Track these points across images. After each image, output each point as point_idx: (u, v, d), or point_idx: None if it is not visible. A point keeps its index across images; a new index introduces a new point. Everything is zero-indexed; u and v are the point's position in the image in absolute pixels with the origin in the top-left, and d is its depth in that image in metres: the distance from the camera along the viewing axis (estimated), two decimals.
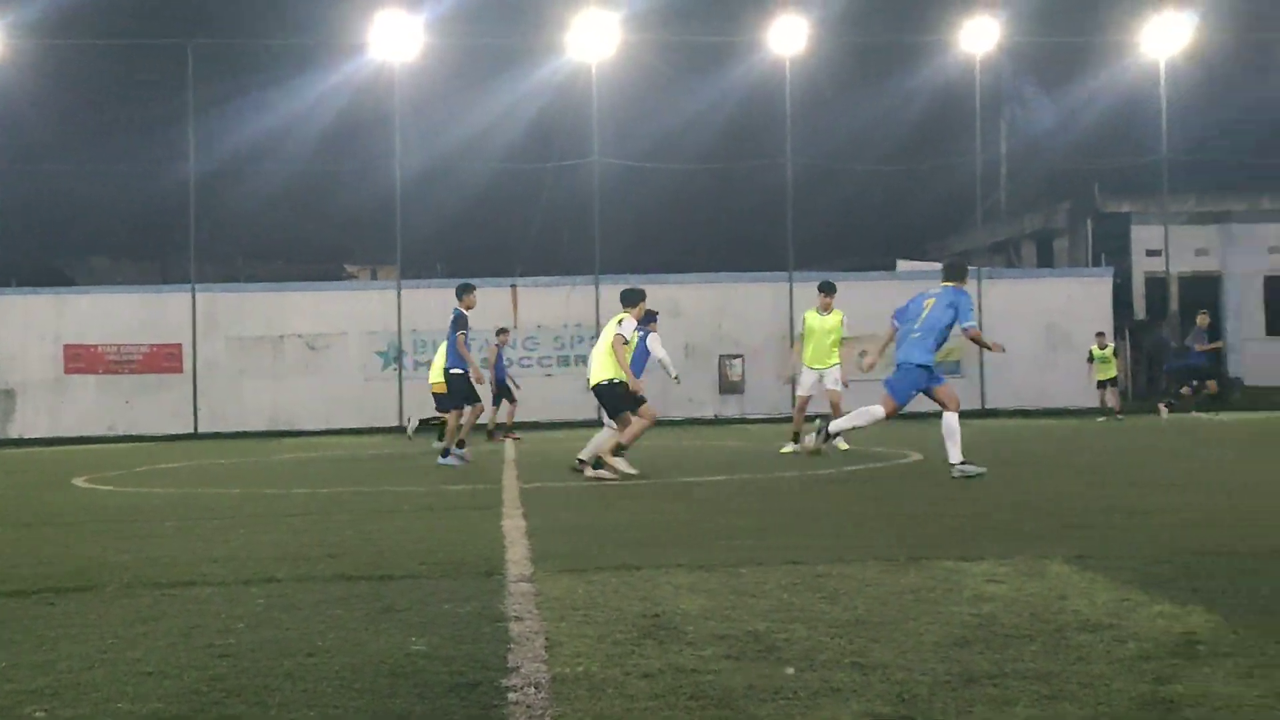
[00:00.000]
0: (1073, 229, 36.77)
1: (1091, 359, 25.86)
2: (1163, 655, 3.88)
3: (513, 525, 7.66)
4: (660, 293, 29.02)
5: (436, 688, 3.70)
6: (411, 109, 31.53)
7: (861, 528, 7.38)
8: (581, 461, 11.67)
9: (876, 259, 34.55)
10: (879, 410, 10.84)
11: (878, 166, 36.51)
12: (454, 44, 31.74)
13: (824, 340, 15.18)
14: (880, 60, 36.44)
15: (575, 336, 28.76)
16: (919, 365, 10.75)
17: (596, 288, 28.96)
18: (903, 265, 33.57)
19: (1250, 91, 35.62)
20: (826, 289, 15.39)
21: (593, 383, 11.96)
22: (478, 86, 34.51)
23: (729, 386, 29.84)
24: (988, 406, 28.89)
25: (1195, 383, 23.68)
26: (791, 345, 18.55)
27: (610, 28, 29.70)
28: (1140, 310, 35.41)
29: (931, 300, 10.96)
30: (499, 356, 20.98)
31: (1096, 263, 34.63)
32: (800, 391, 15.49)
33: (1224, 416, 25.20)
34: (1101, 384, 25.54)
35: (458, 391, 14.59)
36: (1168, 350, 33.41)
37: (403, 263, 30.46)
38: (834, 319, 15.31)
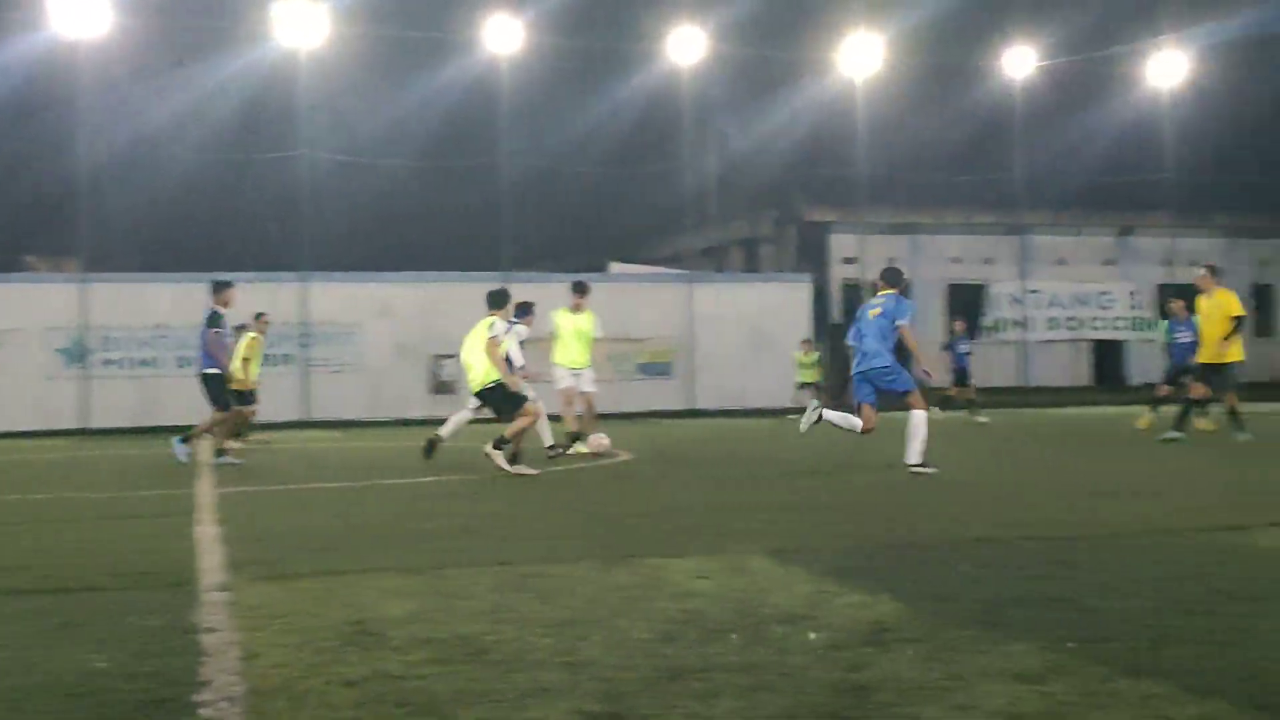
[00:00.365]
0: (778, 236, 38.29)
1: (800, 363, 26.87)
2: (855, 643, 4.05)
3: (206, 532, 7.29)
4: (370, 291, 28.53)
5: (119, 707, 3.46)
6: (105, 89, 29.70)
7: (572, 527, 7.42)
8: (500, 448, 11.43)
9: (590, 260, 34.97)
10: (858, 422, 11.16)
11: (593, 169, 37.01)
12: (148, 23, 30.09)
13: (575, 341, 14.65)
14: (595, 65, 36.94)
15: (281, 335, 27.82)
16: (883, 366, 11.18)
17: (304, 285, 28.09)
18: (615, 267, 34.12)
19: (939, 113, 38.06)
20: (579, 289, 14.95)
21: (476, 388, 12.03)
22: (179, 72, 32.91)
23: (441, 387, 29.51)
24: (695, 407, 29.68)
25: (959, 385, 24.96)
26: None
27: (319, 17, 28.84)
28: (837, 315, 37.21)
29: (876, 310, 11.33)
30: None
31: (799, 269, 36.18)
32: (560, 386, 14.55)
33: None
34: (804, 386, 26.60)
35: (213, 393, 13.77)
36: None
37: (93, 255, 28.61)
38: (586, 319, 14.79)
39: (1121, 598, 4.76)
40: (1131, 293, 39.56)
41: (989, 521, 7.20)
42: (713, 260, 41.12)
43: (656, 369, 29.88)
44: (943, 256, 38.68)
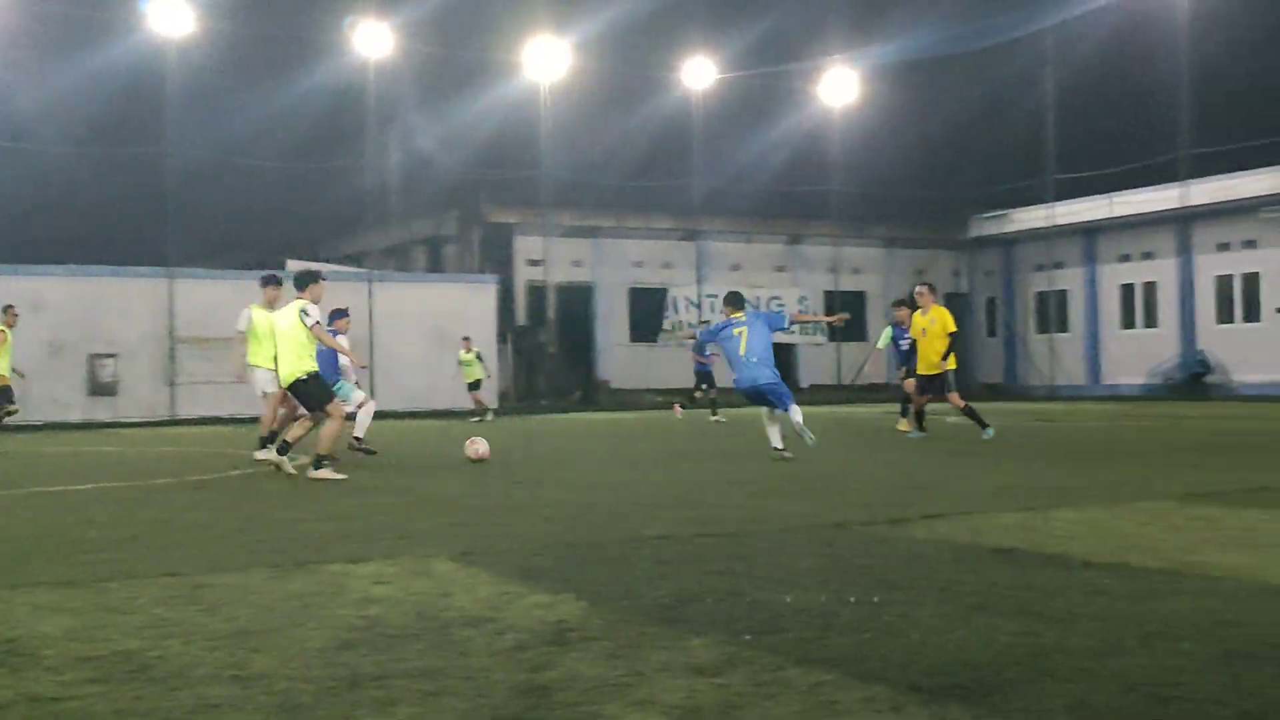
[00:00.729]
0: (461, 236, 38.13)
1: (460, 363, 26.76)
2: (538, 644, 4.03)
3: None
4: (21, 285, 26.47)
5: None
6: None
7: (245, 535, 7.08)
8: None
9: (266, 258, 33.71)
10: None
11: (270, 163, 35.72)
12: None
13: (272, 339, 12.92)
14: (275, 54, 35.67)
15: None
16: (770, 383, 11.85)
17: None
18: (292, 265, 33.08)
19: (622, 120, 38.93)
20: (271, 282, 13.93)
21: (287, 381, 11.19)
22: None
23: (100, 388, 27.72)
24: (377, 408, 29.08)
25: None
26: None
27: None
28: (522, 316, 37.41)
29: (743, 329, 11.90)
30: None
31: (483, 270, 36.15)
32: (268, 389, 13.10)
33: (593, 416, 27.26)
34: (471, 386, 26.50)
35: None
36: (544, 354, 35.63)
37: None
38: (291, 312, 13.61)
39: (793, 590, 4.95)
40: (801, 298, 41.62)
41: (670, 520, 7.37)
42: (395, 259, 40.53)
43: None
44: (625, 260, 39.57)
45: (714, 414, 23.80)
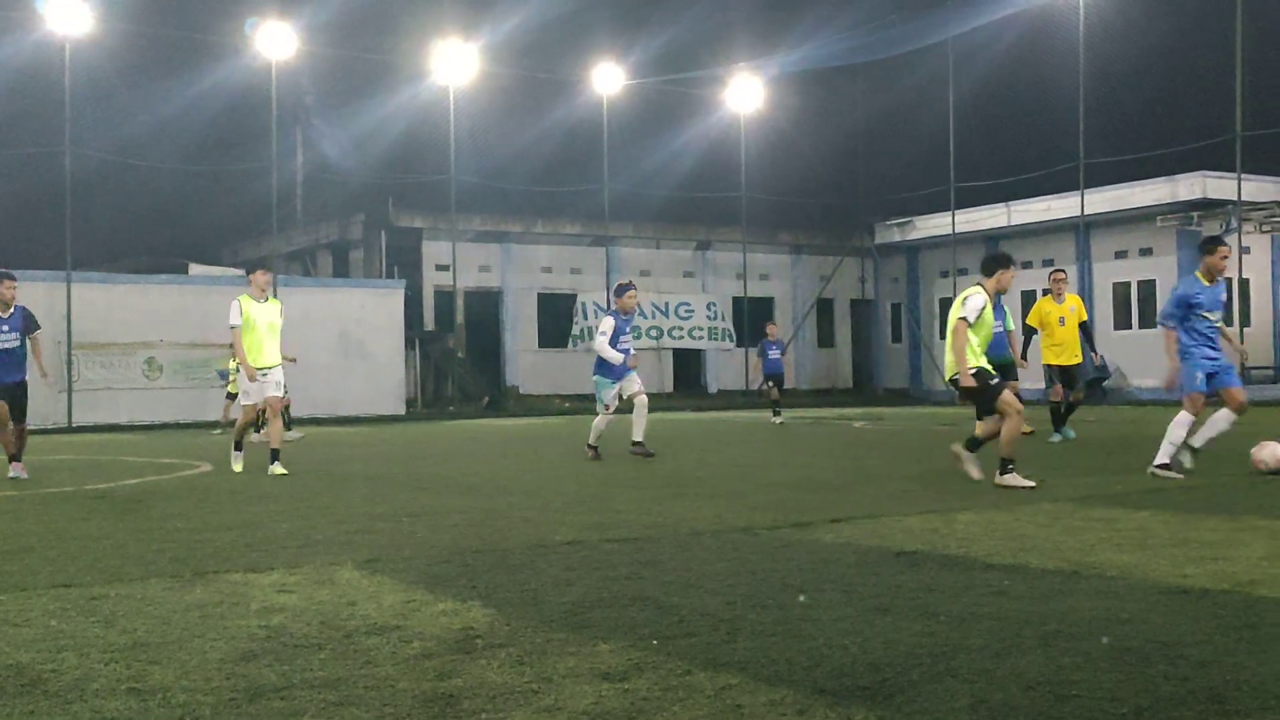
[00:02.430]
0: (368, 241, 37.74)
1: None
2: (444, 652, 4.00)
3: None
4: None
5: None
6: None
7: (143, 545, 6.92)
8: None
9: (165, 262, 33.04)
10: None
11: (171, 166, 35.03)
12: None
13: (270, 336, 12.33)
14: (176, 57, 35.00)
15: None
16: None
17: None
18: (195, 269, 32.48)
19: (531, 125, 38.83)
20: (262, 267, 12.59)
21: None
22: None
23: None
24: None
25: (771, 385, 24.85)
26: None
27: None
28: (430, 321, 37.13)
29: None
30: None
31: (390, 275, 35.81)
32: (252, 400, 12.23)
33: (502, 422, 27.14)
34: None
35: None
36: (453, 359, 35.40)
37: None
38: (275, 307, 12.52)
39: (700, 594, 4.97)
40: (710, 304, 41.87)
41: (577, 525, 7.36)
42: (300, 264, 39.99)
43: (214, 379, 28.63)
44: (534, 265, 39.48)
45: (776, 415, 23.38)
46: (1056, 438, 14.71)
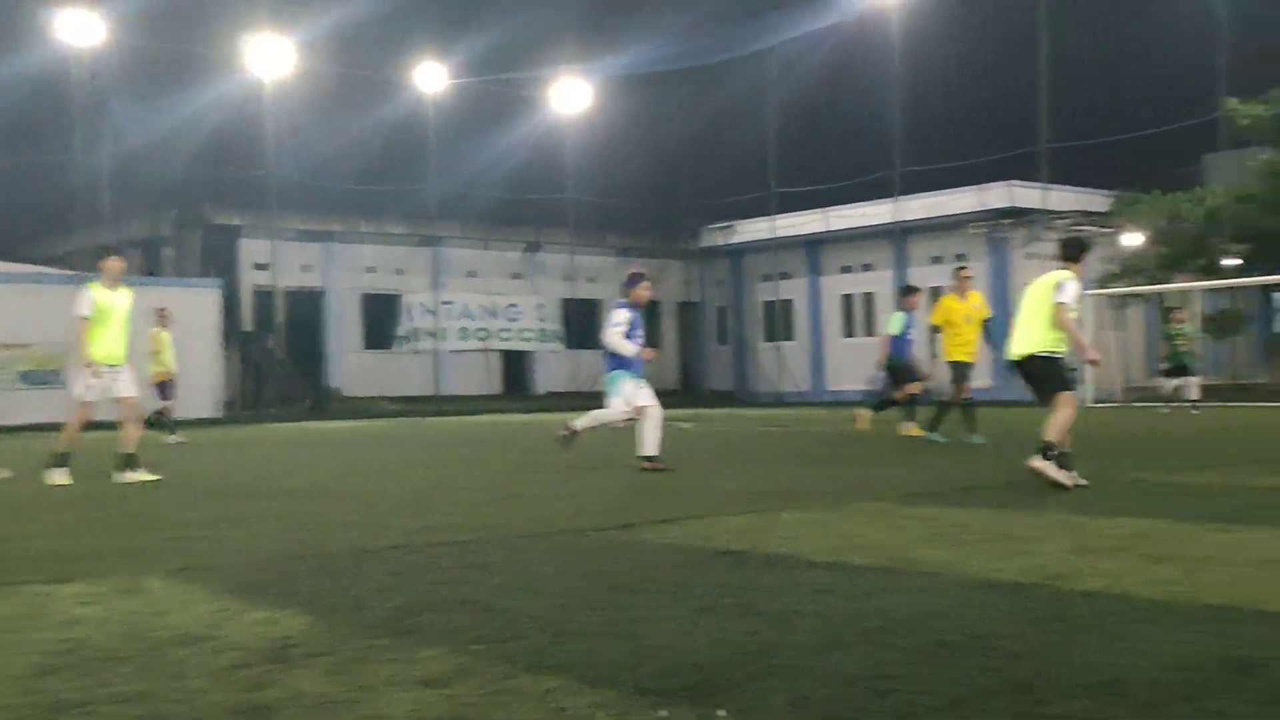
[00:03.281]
0: (181, 238, 36.50)
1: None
2: (259, 662, 3.86)
3: None
4: None
5: None
6: None
7: None
8: None
9: None
10: None
11: None
12: None
13: (122, 330, 11.46)
14: None
15: None
16: None
17: None
18: None
19: (354, 123, 38.08)
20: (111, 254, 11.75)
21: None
22: None
23: None
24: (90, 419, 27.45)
25: None
26: None
27: None
28: (248, 322, 36.11)
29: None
30: None
31: (205, 274, 34.70)
32: (93, 399, 11.45)
33: (325, 425, 26.55)
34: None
35: None
36: (273, 360, 34.48)
37: None
38: (129, 297, 11.65)
39: (527, 597, 4.92)
40: (539, 305, 41.78)
41: (402, 529, 7.22)
42: None
43: (42, 378, 27.35)
44: (358, 265, 38.79)
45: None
46: (938, 438, 14.72)
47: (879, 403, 16.65)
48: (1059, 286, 9.22)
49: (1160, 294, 33.11)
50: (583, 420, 11.97)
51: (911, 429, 15.65)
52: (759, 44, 38.42)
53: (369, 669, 3.74)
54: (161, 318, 20.21)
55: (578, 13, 45.15)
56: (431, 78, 37.88)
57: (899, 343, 15.75)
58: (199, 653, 4.01)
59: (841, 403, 37.08)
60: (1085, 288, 13.79)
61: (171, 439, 18.97)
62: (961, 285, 14.90)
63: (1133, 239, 35.33)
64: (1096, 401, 29.72)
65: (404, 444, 18.32)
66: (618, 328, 11.63)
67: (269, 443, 19.52)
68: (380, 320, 39.03)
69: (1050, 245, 34.29)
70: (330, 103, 37.62)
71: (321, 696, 3.44)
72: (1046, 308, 9.25)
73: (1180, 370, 23.28)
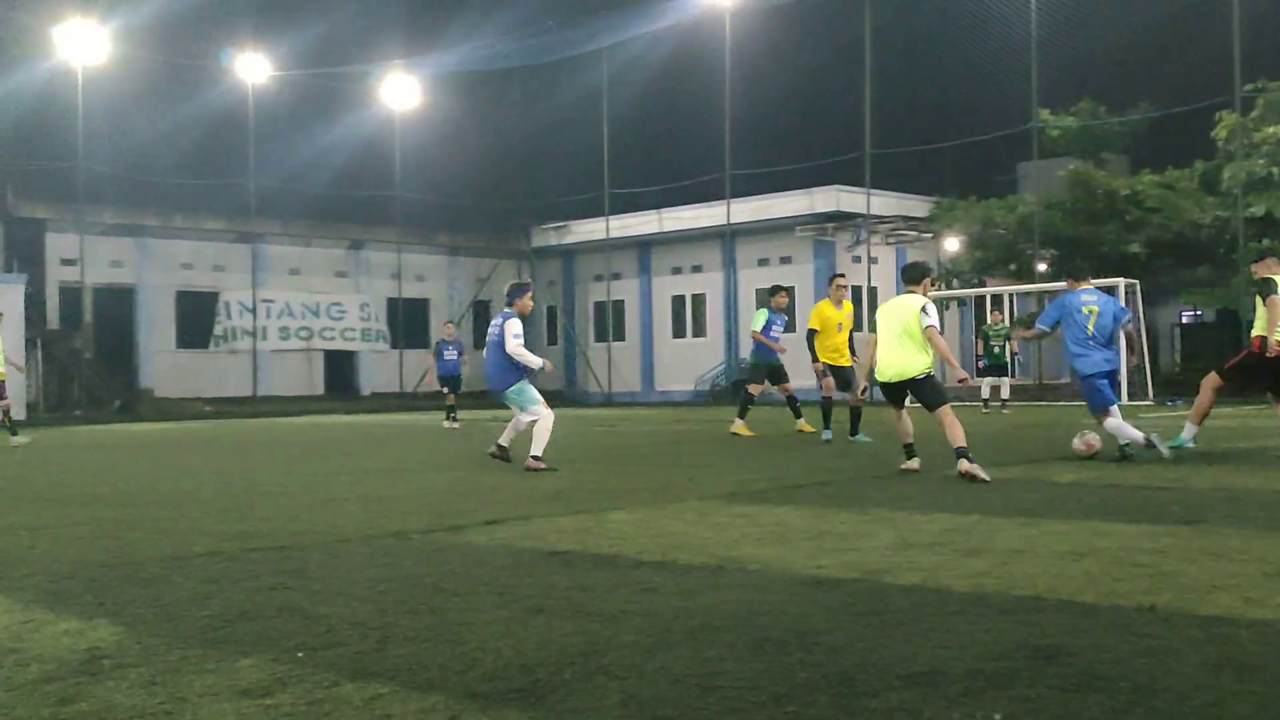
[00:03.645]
0: None
1: None
2: (67, 674, 3.70)
3: None
4: None
5: None
6: None
7: None
8: None
9: None
10: None
11: None
12: None
13: None
14: None
15: None
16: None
17: None
18: None
19: (170, 114, 36.74)
20: None
21: None
22: None
23: None
24: None
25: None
26: None
27: None
28: (55, 320, 34.56)
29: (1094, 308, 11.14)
30: None
31: (8, 269, 33.07)
32: None
33: (136, 427, 25.59)
34: None
35: None
36: (80, 360, 33.03)
37: None
38: None
39: (350, 602, 4.82)
40: (363, 304, 41.05)
41: (219, 535, 7.00)
42: None
43: None
44: (173, 262, 37.52)
45: (451, 419, 22.00)
46: (827, 435, 14.80)
47: (742, 407, 17.01)
48: (924, 311, 10.10)
49: (977, 297, 34.40)
50: (535, 445, 11.59)
51: (802, 425, 16.59)
52: (591, 45, 38.53)
53: (184, 680, 3.62)
54: None
55: (407, 7, 44.59)
56: (253, 69, 36.90)
57: (760, 342, 16.46)
58: (2, 666, 3.82)
59: (670, 403, 37.47)
60: (839, 300, 14.93)
61: (16, 440, 18.14)
62: (837, 294, 15.31)
63: (951, 243, 36.66)
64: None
65: (220, 447, 17.80)
66: (519, 338, 11.54)
67: (75, 446, 18.72)
68: (196, 319, 37.83)
69: (875, 248, 35.35)
70: (147, 93, 36.27)
71: (134, 709, 3.32)
72: (916, 331, 10.07)
73: (996, 370, 24.21)
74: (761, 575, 5.27)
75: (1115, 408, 10.98)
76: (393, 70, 40.03)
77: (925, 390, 10.23)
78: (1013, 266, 34.87)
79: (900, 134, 36.36)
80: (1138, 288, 28.07)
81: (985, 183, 38.19)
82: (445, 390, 22.82)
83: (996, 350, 24.21)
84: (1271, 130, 29.75)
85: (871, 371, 10.97)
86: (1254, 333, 11.21)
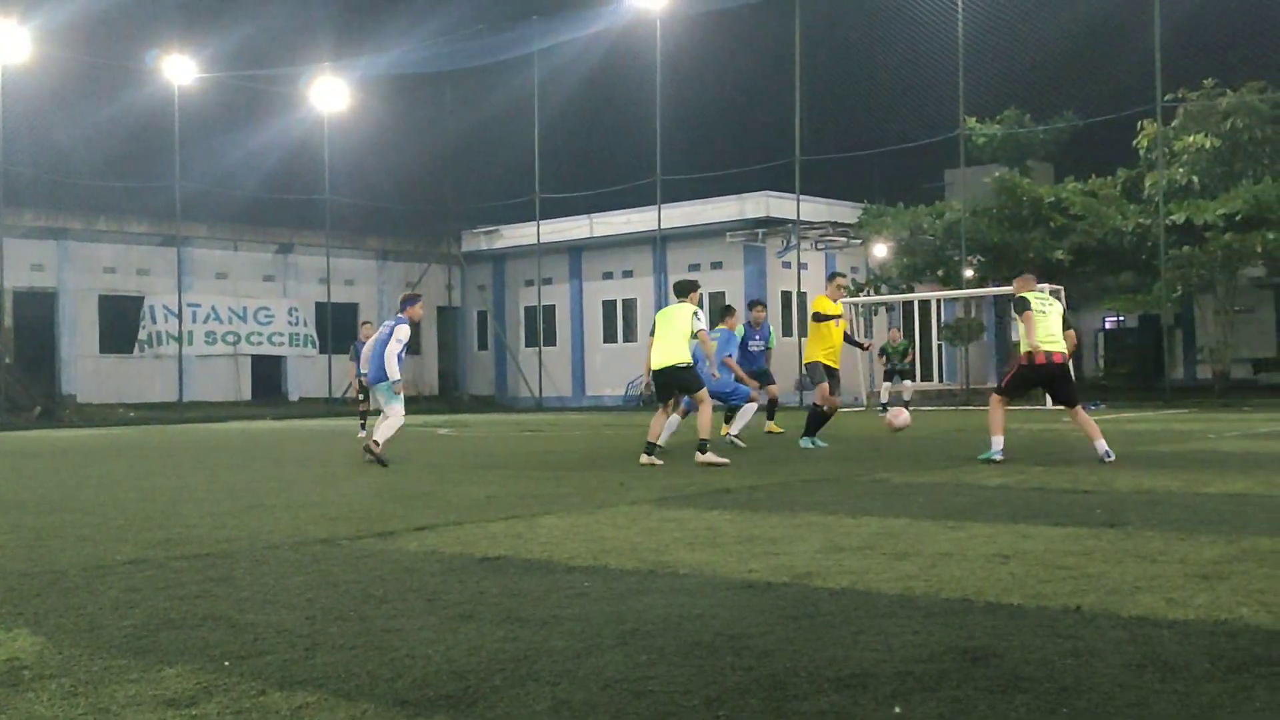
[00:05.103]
0: None
1: None
2: None
3: None
4: None
5: None
6: None
7: None
8: None
9: None
10: None
11: None
12: None
13: None
14: None
15: None
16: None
17: None
18: None
19: (93, 115, 36.08)
20: None
21: None
22: None
23: None
24: None
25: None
26: None
27: None
28: None
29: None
30: None
31: None
32: None
33: (58, 434, 25.09)
34: None
35: None
36: (1, 365, 32.31)
37: None
38: None
39: (277, 610, 4.76)
40: (291, 309, 40.56)
41: (143, 542, 6.88)
42: None
43: None
44: (96, 265, 36.86)
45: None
46: (807, 443, 14.52)
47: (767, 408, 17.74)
48: (695, 316, 12.22)
49: (904, 303, 34.76)
50: (379, 433, 12.81)
51: (771, 426, 17.58)
52: (523, 49, 38.43)
53: (107, 690, 3.55)
54: None
55: (337, 10, 44.21)
56: (180, 70, 36.36)
57: (746, 353, 16.64)
58: None
59: (601, 408, 37.45)
60: (836, 297, 14.81)
61: None
62: (836, 291, 14.95)
63: (880, 249, 37.03)
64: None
65: (144, 453, 17.51)
66: (400, 344, 12.86)
67: None
68: (120, 323, 37.17)
69: (805, 253, 35.60)
70: (70, 93, 35.61)
71: None
72: (687, 332, 12.19)
73: (899, 373, 26.56)
74: (692, 579, 5.28)
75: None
76: (322, 73, 39.64)
77: (681, 379, 12.24)
78: (940, 272, 35.29)
79: (830, 140, 36.69)
80: (1062, 293, 28.56)
81: (913, 189, 38.63)
82: (362, 397, 22.07)
83: (897, 364, 26.45)
84: (1191, 139, 30.42)
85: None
86: (1022, 349, 11.75)
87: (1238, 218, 28.69)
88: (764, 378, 17.03)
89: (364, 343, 22.28)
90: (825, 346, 14.40)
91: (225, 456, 16.04)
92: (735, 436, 14.89)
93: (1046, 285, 27.39)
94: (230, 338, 38.97)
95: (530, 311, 43.22)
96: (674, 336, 12.24)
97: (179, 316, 37.28)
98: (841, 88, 38.18)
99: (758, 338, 17.09)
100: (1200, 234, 29.52)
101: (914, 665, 3.63)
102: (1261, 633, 3.97)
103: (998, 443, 11.62)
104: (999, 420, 11.77)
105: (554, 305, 42.54)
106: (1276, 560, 5.41)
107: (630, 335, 40.66)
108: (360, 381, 22.01)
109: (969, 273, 34.15)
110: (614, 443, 17.14)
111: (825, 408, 14.46)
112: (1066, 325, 11.68)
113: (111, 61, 36.66)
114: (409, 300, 13.69)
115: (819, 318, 14.41)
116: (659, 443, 12.37)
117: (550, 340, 42.44)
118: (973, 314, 36.22)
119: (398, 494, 9.68)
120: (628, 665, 3.72)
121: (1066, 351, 11.57)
